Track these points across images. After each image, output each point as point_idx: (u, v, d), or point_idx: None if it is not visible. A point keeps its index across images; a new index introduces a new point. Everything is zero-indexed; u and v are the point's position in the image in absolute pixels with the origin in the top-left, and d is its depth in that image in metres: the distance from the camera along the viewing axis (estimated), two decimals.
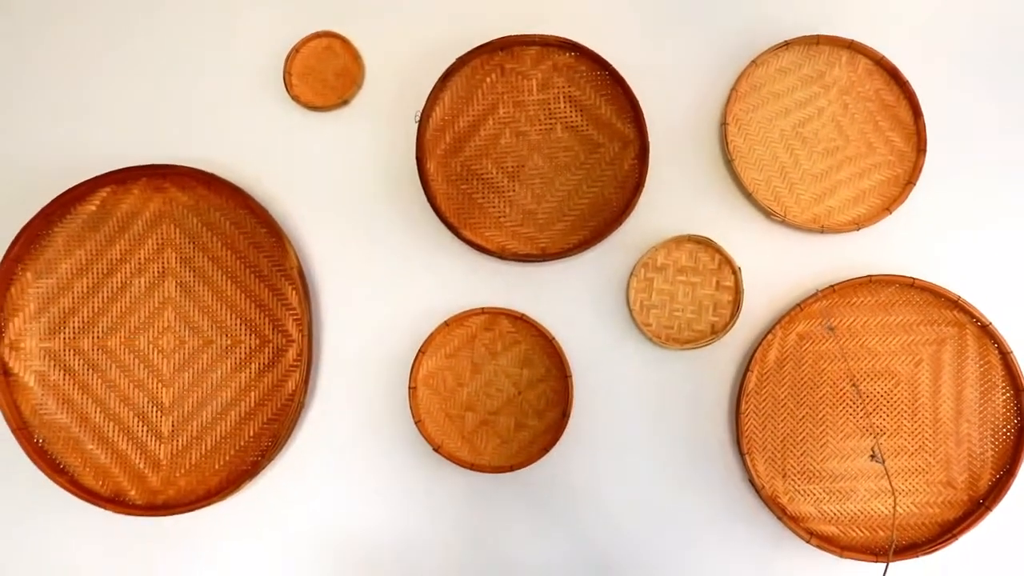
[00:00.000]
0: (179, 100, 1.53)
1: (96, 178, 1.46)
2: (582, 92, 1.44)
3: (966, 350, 1.37)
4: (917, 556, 1.32)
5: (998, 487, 1.33)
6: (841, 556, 1.33)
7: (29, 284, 1.48)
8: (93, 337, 1.48)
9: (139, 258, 1.48)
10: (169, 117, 1.53)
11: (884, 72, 1.42)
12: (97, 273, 1.48)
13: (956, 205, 1.43)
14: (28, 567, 1.49)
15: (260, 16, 1.52)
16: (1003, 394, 1.35)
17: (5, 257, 1.45)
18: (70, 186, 1.47)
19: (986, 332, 1.35)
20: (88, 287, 1.48)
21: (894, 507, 1.32)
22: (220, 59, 1.53)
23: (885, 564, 1.19)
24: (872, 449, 1.32)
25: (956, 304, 1.35)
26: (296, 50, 1.50)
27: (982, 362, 1.36)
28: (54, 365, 1.48)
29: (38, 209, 1.46)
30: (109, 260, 1.48)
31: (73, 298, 1.48)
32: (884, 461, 1.29)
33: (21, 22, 1.54)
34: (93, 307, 1.49)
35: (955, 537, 1.32)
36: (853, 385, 1.34)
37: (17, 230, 1.45)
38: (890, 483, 1.31)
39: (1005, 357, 1.34)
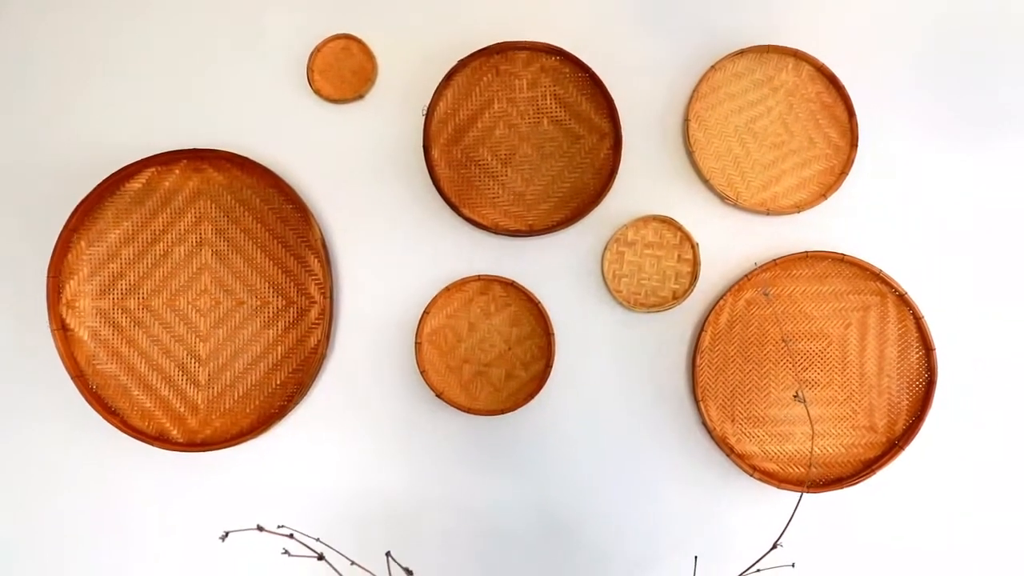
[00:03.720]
0: (216, 93, 1.60)
1: (142, 160, 1.55)
2: (565, 91, 1.53)
3: (887, 315, 1.51)
4: (843, 488, 1.47)
5: (910, 430, 1.49)
6: (780, 488, 1.47)
7: (83, 251, 1.57)
8: (138, 298, 1.58)
9: (179, 229, 1.58)
10: (207, 107, 1.60)
11: (824, 77, 1.52)
12: (142, 242, 1.58)
13: (881, 193, 1.53)
14: (85, 495, 1.60)
15: (286, 20, 1.59)
16: (917, 352, 1.50)
17: (64, 228, 1.54)
18: (119, 167, 1.55)
19: (903, 300, 1.49)
20: (134, 254, 1.58)
21: (811, 439, 1.47)
22: (252, 58, 1.60)
23: (800, 493, 1.32)
24: (796, 391, 1.48)
25: (878, 276, 1.49)
26: (318, 50, 1.57)
27: (900, 325, 1.50)
28: (104, 322, 1.57)
29: (92, 187, 1.54)
30: (153, 231, 1.58)
31: (121, 264, 1.58)
32: (805, 401, 1.45)
33: (81, 19, 1.62)
34: (138, 272, 1.58)
35: (873, 472, 1.48)
36: (784, 342, 1.49)
37: (74, 205, 1.54)
38: (809, 417, 1.46)
39: (918, 321, 1.49)
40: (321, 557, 0.99)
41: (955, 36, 1.54)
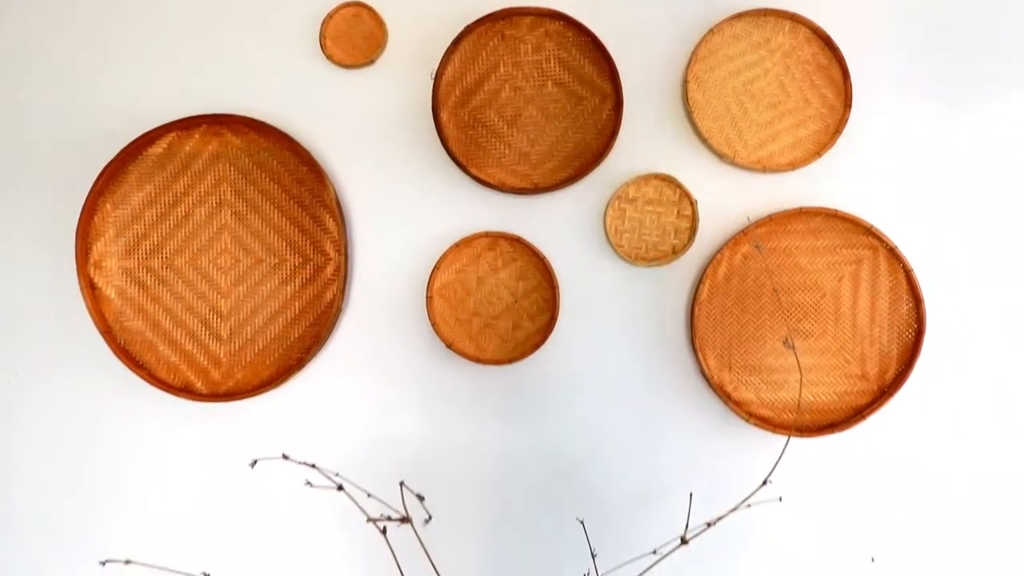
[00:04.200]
0: (233, 59, 1.65)
1: (164, 125, 1.61)
2: (569, 54, 1.58)
3: (879, 268, 1.56)
4: (835, 432, 1.54)
5: (900, 378, 1.55)
6: (774, 432, 1.53)
7: (109, 214, 1.63)
8: (162, 257, 1.64)
9: (199, 191, 1.63)
10: (224, 74, 1.65)
11: (820, 39, 1.56)
12: (164, 204, 1.64)
13: (874, 151, 1.58)
14: (114, 444, 1.67)
15: None
16: (907, 304, 1.55)
17: (90, 192, 1.60)
18: (142, 132, 1.60)
19: (894, 254, 1.54)
20: (157, 216, 1.64)
21: (800, 383, 1.53)
22: (267, 26, 1.64)
23: (787, 436, 1.39)
24: (785, 338, 1.54)
25: (870, 231, 1.54)
26: (330, 17, 1.61)
27: (891, 278, 1.55)
28: (130, 281, 1.64)
29: (116, 152, 1.60)
30: (174, 193, 1.63)
31: (145, 225, 1.64)
32: (794, 347, 1.52)
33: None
34: (161, 232, 1.64)
35: (864, 417, 1.54)
36: (775, 292, 1.55)
37: (99, 170, 1.60)
38: (797, 362, 1.52)
39: (908, 275, 1.54)
40: (340, 488, 1.07)
41: None
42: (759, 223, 1.57)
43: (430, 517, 1.08)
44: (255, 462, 1.08)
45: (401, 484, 1.07)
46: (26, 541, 1.68)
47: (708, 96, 1.59)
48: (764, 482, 1.27)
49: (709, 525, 1.28)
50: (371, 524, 1.09)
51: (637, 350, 1.61)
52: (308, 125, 1.64)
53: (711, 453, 1.60)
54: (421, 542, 1.13)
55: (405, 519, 1.09)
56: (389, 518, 1.07)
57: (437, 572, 1.10)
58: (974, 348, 1.59)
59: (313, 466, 1.07)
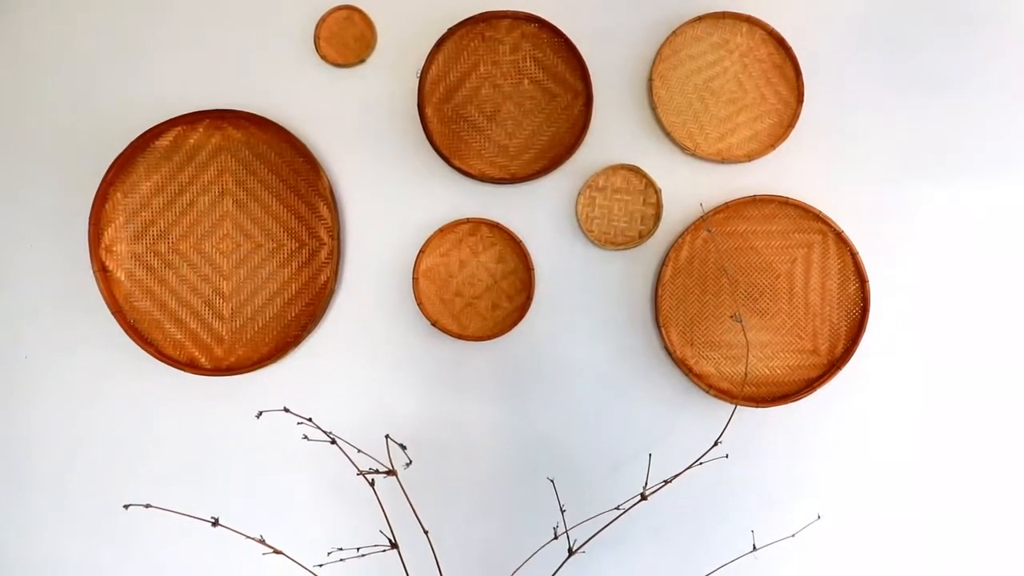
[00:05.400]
0: (234, 59, 1.74)
1: (170, 120, 1.69)
2: (543, 54, 1.66)
3: (828, 251, 1.66)
4: (788, 403, 1.65)
5: (847, 352, 1.66)
6: (732, 403, 1.62)
7: (119, 202, 1.72)
8: (168, 242, 1.73)
9: (203, 181, 1.72)
10: (227, 73, 1.74)
11: (774, 40, 1.65)
12: (170, 193, 1.72)
13: (824, 143, 1.67)
14: (125, 415, 1.78)
15: None
16: (853, 284, 1.66)
17: (102, 181, 1.69)
18: (150, 127, 1.69)
19: (841, 238, 1.65)
20: (164, 204, 1.72)
21: (746, 353, 1.64)
22: (265, 28, 1.73)
23: (748, 407, 1.52)
24: (734, 313, 1.65)
25: (819, 217, 1.65)
26: (323, 19, 1.69)
27: (839, 261, 1.66)
28: (139, 264, 1.73)
29: (126, 145, 1.69)
30: (180, 183, 1.72)
31: (152, 212, 1.73)
32: (742, 321, 1.63)
33: (119, 2, 1.77)
34: (168, 219, 1.72)
35: (814, 389, 1.66)
36: (724, 271, 1.66)
37: (110, 161, 1.69)
38: (745, 337, 1.64)
39: (854, 257, 1.65)
40: (333, 441, 1.21)
41: (890, 2, 1.70)
42: (717, 209, 1.68)
43: (410, 462, 1.20)
44: (260, 414, 1.21)
45: (387, 437, 1.20)
46: (55, 497, 1.80)
47: (672, 93, 1.69)
48: (715, 443, 1.40)
49: (666, 482, 1.41)
50: (360, 477, 1.22)
51: (606, 327, 1.71)
52: (304, 120, 1.73)
53: (674, 422, 1.72)
54: (405, 493, 1.26)
55: (391, 472, 1.22)
56: (376, 471, 1.20)
57: (419, 519, 1.23)
58: (915, 323, 1.71)
59: (310, 419, 1.20)
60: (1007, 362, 1.70)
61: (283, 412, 1.23)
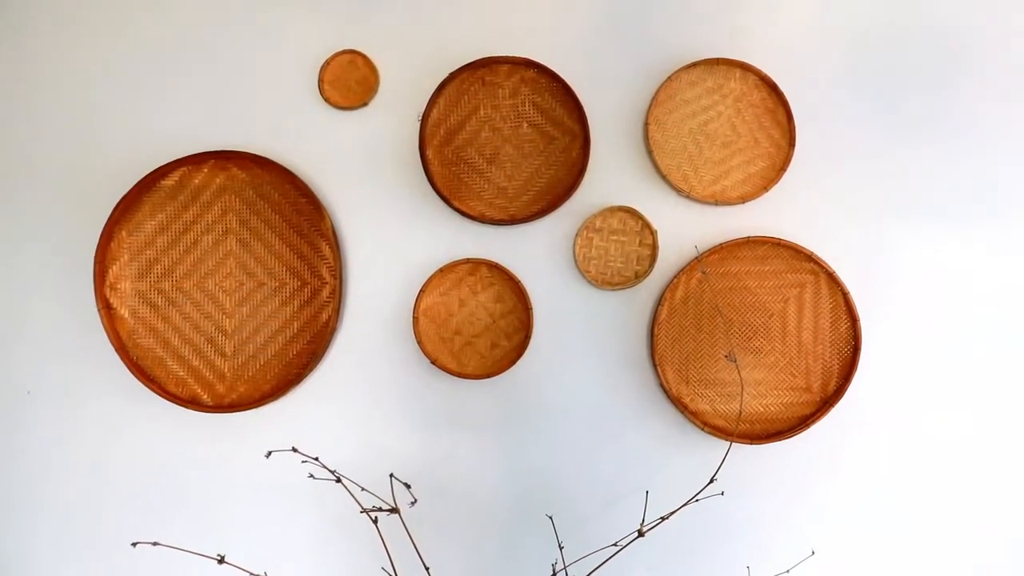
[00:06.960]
0: (240, 101, 1.77)
1: (175, 160, 1.72)
2: (542, 98, 1.69)
3: (820, 291, 1.70)
4: (782, 440, 1.68)
5: (839, 389, 1.69)
6: (727, 440, 1.65)
7: (124, 240, 1.74)
8: (172, 280, 1.74)
9: (207, 220, 1.74)
10: (232, 114, 1.76)
11: (767, 85, 1.70)
12: (175, 232, 1.74)
13: (816, 186, 1.71)
14: (126, 450, 1.79)
15: (300, 37, 1.75)
16: (845, 323, 1.70)
17: (107, 220, 1.71)
18: (155, 167, 1.72)
19: (832, 278, 1.68)
20: (168, 242, 1.74)
21: (741, 391, 1.67)
22: (270, 70, 1.76)
23: (744, 444, 1.53)
24: (728, 351, 1.68)
25: (811, 258, 1.68)
26: (327, 63, 1.72)
27: (831, 300, 1.69)
28: (143, 302, 1.74)
29: (131, 184, 1.72)
30: (184, 222, 1.74)
31: (156, 251, 1.74)
32: (736, 360, 1.65)
33: (126, 47, 1.80)
34: (172, 257, 1.74)
35: (807, 426, 1.68)
36: (717, 310, 1.69)
37: (116, 200, 1.71)
38: (739, 375, 1.66)
39: (845, 296, 1.68)
40: (339, 480, 1.23)
41: (876, 51, 1.74)
42: (712, 250, 1.71)
43: (415, 500, 1.22)
44: (269, 453, 1.23)
45: (391, 476, 1.22)
46: (58, 533, 1.80)
47: (667, 136, 1.73)
48: (711, 480, 1.43)
49: (663, 519, 1.43)
50: (364, 515, 1.24)
51: (603, 366, 1.73)
52: (307, 161, 1.76)
53: (669, 459, 1.73)
54: (407, 530, 1.28)
55: (394, 510, 1.24)
56: (380, 509, 1.22)
57: (420, 556, 1.25)
58: (906, 361, 1.74)
59: (316, 459, 1.22)
60: (997, 398, 1.73)
61: (290, 452, 1.25)
